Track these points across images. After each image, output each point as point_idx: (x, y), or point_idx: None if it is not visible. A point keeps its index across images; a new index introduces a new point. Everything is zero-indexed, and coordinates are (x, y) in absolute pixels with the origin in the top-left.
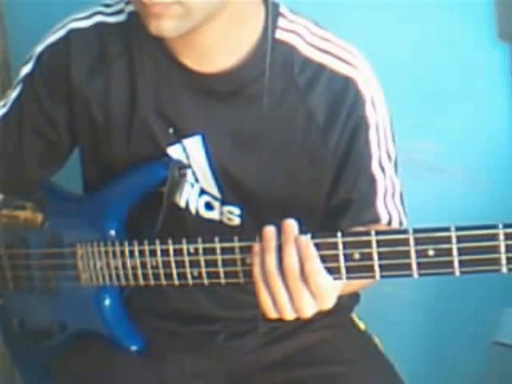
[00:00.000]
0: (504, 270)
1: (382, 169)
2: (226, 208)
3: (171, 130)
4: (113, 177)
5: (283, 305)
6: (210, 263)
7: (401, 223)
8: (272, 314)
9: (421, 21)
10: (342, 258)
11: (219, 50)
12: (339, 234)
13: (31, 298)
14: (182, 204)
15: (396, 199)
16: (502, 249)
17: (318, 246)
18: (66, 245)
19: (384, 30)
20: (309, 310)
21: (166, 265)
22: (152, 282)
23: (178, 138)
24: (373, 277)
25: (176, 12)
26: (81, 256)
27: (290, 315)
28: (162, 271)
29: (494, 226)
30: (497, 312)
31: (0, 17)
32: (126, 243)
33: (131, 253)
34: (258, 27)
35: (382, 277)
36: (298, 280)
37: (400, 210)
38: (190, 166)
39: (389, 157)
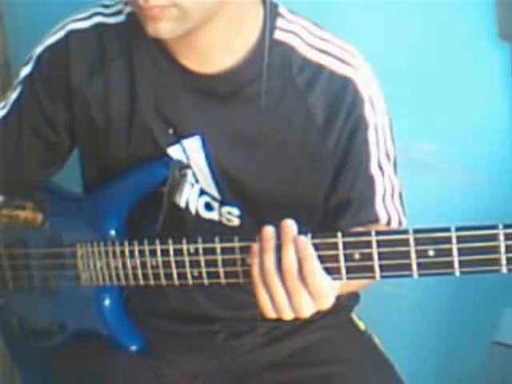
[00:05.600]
0: (504, 270)
1: (381, 169)
2: (225, 209)
3: (171, 131)
4: (113, 177)
5: (282, 305)
6: (210, 263)
7: (400, 223)
8: (271, 313)
9: (421, 20)
10: (342, 259)
11: (218, 50)
12: (339, 234)
13: (31, 297)
14: (182, 204)
15: (395, 199)
16: (502, 249)
17: (318, 246)
18: (65, 245)
19: (383, 30)
20: (307, 310)
21: (166, 265)
22: (152, 282)
23: (178, 138)
24: (373, 277)
25: (173, 14)
26: (81, 256)
27: (288, 315)
28: (162, 271)
29: (494, 227)
30: (497, 312)
31: (0, 17)
32: (126, 243)
33: (131, 253)
34: (256, 28)
35: (382, 277)
36: (297, 280)
37: (399, 210)
38: (189, 166)
39: (388, 157)
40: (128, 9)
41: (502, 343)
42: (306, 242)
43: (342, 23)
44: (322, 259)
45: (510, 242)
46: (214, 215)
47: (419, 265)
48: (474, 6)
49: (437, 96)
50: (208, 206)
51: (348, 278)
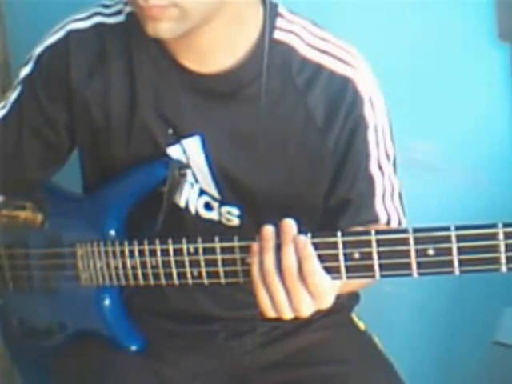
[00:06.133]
0: (503, 269)
1: (381, 169)
2: (225, 208)
3: (170, 131)
4: (113, 177)
5: (281, 304)
6: (210, 263)
7: (400, 223)
8: (270, 313)
9: (420, 21)
10: (341, 258)
11: (218, 50)
12: (339, 234)
13: (31, 297)
14: (182, 204)
15: (395, 199)
16: (502, 248)
17: (317, 246)
18: (65, 245)
19: (383, 30)
20: (307, 309)
21: (166, 264)
22: (152, 282)
23: (178, 138)
24: (373, 276)
25: (173, 14)
26: (80, 256)
27: (288, 315)
28: (161, 271)
29: (494, 226)
30: (497, 312)
31: (0, 17)
32: (126, 243)
33: (131, 253)
34: (256, 28)
35: (381, 276)
36: (296, 280)
37: (399, 210)
38: (189, 166)
39: (387, 157)
40: (128, 9)
41: (502, 343)
42: (306, 241)
43: (342, 23)
44: (321, 258)
45: (509, 241)
46: (213, 215)
47: (419, 264)
48: (474, 6)
49: (437, 96)
50: (208, 206)
51: (348, 278)
